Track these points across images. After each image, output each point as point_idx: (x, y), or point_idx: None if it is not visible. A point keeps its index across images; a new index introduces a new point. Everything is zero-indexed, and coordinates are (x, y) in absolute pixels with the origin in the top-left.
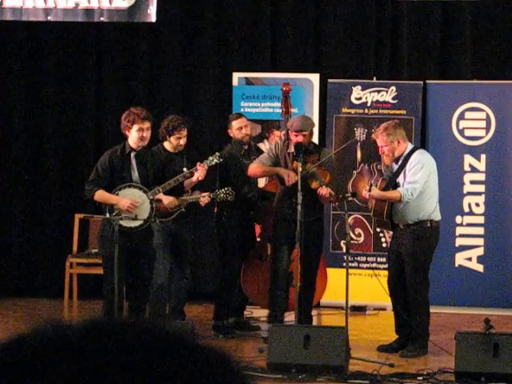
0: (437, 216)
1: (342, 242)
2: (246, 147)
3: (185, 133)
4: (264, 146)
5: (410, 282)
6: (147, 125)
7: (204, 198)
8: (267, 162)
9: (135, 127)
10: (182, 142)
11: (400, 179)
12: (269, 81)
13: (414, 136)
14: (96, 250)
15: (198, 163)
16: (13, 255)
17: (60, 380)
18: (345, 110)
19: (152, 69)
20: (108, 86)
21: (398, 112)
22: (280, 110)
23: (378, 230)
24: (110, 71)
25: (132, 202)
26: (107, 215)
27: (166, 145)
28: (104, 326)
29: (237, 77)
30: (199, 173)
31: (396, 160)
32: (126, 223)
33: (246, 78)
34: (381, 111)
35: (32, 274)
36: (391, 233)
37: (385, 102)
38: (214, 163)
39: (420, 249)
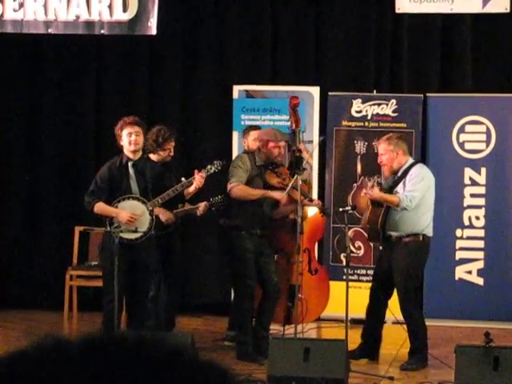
0: (429, 232)
1: (342, 255)
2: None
3: (173, 143)
4: None
5: (402, 297)
6: (136, 129)
7: (200, 208)
8: (244, 179)
9: (124, 133)
10: (171, 153)
11: (399, 189)
12: (269, 94)
13: (414, 149)
14: (96, 263)
15: (197, 171)
16: (13, 267)
17: None
18: (345, 122)
19: (152, 81)
20: (108, 98)
21: (398, 125)
22: (287, 123)
23: (371, 244)
24: (110, 83)
25: (131, 215)
26: (108, 228)
27: (153, 157)
28: (104, 341)
29: (237, 90)
30: (197, 181)
31: (395, 173)
32: (126, 235)
33: (247, 91)
34: (381, 124)
35: (32, 286)
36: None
37: (385, 115)
38: (212, 171)
39: (413, 262)
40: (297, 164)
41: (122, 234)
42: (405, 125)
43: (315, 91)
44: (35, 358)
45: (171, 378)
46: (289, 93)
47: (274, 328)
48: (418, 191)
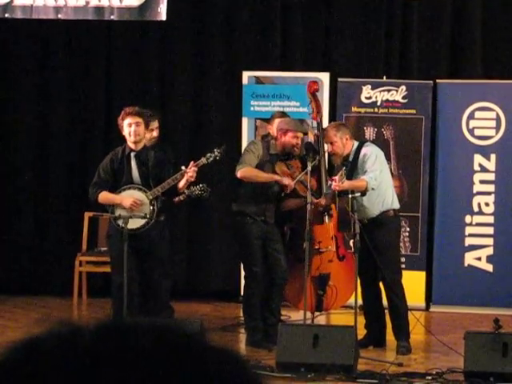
0: (397, 204)
1: (351, 242)
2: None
3: (157, 124)
4: None
5: (387, 274)
6: (137, 119)
7: (177, 199)
8: (254, 164)
9: (125, 123)
10: (155, 133)
11: (356, 175)
12: (279, 80)
13: (424, 135)
14: (105, 249)
15: (192, 162)
16: (22, 254)
17: (74, 382)
18: (355, 109)
19: (161, 68)
20: (117, 85)
21: (407, 111)
22: (298, 110)
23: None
24: (120, 70)
25: (135, 200)
26: (114, 214)
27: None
28: (117, 328)
29: (247, 76)
30: (188, 175)
31: (345, 159)
32: (130, 224)
33: (256, 77)
34: (390, 110)
35: (41, 273)
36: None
37: (395, 102)
38: (211, 160)
39: (392, 237)
40: (307, 151)
41: (122, 224)
42: (414, 111)
43: (325, 77)
44: (49, 345)
45: (185, 363)
46: (298, 79)
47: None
48: (377, 169)
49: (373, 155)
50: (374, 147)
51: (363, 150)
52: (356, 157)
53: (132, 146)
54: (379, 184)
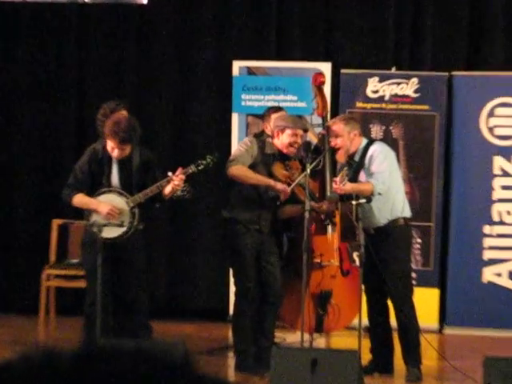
0: (408, 212)
1: (355, 254)
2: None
3: (126, 113)
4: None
5: (395, 291)
6: (127, 147)
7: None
8: (247, 163)
9: (109, 143)
10: None
11: (362, 178)
12: (274, 71)
13: (438, 134)
14: (76, 261)
15: (180, 169)
16: None
17: None
18: (359, 104)
19: (141, 57)
20: (91, 77)
21: (419, 107)
22: (295, 105)
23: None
24: (94, 60)
25: (112, 208)
26: (88, 220)
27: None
28: (97, 354)
29: (237, 66)
30: (173, 184)
31: (350, 157)
32: (105, 233)
33: (248, 68)
34: (400, 106)
35: (4, 288)
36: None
37: (405, 96)
38: (202, 167)
39: (402, 250)
40: (306, 151)
41: (96, 231)
42: (427, 107)
43: (326, 68)
44: (22, 371)
45: None
46: (296, 70)
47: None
48: (385, 171)
49: (381, 155)
50: (384, 146)
51: (371, 149)
52: (363, 156)
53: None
54: (388, 188)
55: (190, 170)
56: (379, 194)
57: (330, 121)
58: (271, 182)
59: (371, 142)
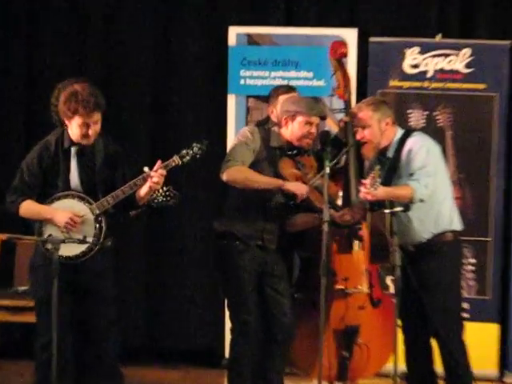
0: (457, 224)
1: (390, 280)
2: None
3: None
4: None
5: (441, 326)
6: (95, 117)
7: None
8: (248, 161)
9: (74, 122)
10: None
11: (398, 179)
12: (282, 39)
13: (497, 119)
14: (25, 288)
15: (159, 163)
16: None
17: None
18: (394, 82)
19: (111, 23)
20: (43, 52)
21: (473, 86)
22: (311, 83)
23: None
24: (50, 27)
25: (73, 216)
26: (38, 236)
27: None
28: None
29: (235, 33)
30: (152, 181)
31: (381, 152)
32: (64, 251)
33: (249, 36)
34: (448, 85)
35: None
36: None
37: (454, 72)
38: (189, 159)
39: (449, 275)
40: (324, 142)
41: (51, 249)
42: (484, 86)
43: (350, 36)
44: None
45: None
46: (311, 38)
47: None
48: (429, 172)
49: (422, 150)
50: (426, 138)
51: (409, 142)
52: (398, 152)
53: (75, 137)
54: (431, 193)
55: (173, 163)
56: (421, 200)
57: (354, 106)
58: (280, 181)
59: (408, 132)
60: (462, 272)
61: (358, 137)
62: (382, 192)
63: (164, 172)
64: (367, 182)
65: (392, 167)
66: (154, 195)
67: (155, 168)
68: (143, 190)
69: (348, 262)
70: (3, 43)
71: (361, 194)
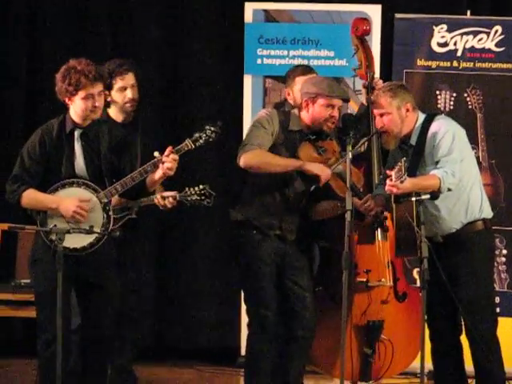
0: (488, 212)
1: (416, 271)
2: None
3: (132, 80)
4: None
5: (473, 322)
6: (98, 87)
7: (165, 201)
8: (267, 145)
9: (80, 94)
10: (130, 93)
11: (424, 167)
12: (302, 16)
13: None
14: (28, 281)
15: (169, 149)
16: None
17: None
18: (421, 62)
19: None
20: (48, 29)
21: (505, 66)
22: (340, 63)
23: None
24: (52, 11)
25: (81, 204)
26: (40, 227)
27: (112, 111)
28: None
29: (251, 9)
30: (165, 166)
31: (403, 140)
32: (69, 242)
33: (266, 12)
34: (478, 64)
35: None
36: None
37: (485, 51)
38: (202, 142)
39: (481, 265)
40: (345, 127)
41: (55, 241)
42: None
43: (374, 12)
44: None
45: None
46: (332, 14)
47: None
48: (456, 158)
49: (448, 135)
50: (450, 122)
51: (433, 127)
52: (422, 138)
53: (78, 119)
54: (460, 181)
55: (186, 148)
56: (449, 189)
57: (371, 93)
58: (300, 162)
59: (431, 116)
60: (494, 264)
61: (378, 125)
62: (408, 184)
63: (176, 157)
64: (393, 174)
65: (416, 155)
66: (188, 192)
67: (166, 153)
68: (156, 175)
69: (371, 253)
70: (3, 42)
71: (386, 187)
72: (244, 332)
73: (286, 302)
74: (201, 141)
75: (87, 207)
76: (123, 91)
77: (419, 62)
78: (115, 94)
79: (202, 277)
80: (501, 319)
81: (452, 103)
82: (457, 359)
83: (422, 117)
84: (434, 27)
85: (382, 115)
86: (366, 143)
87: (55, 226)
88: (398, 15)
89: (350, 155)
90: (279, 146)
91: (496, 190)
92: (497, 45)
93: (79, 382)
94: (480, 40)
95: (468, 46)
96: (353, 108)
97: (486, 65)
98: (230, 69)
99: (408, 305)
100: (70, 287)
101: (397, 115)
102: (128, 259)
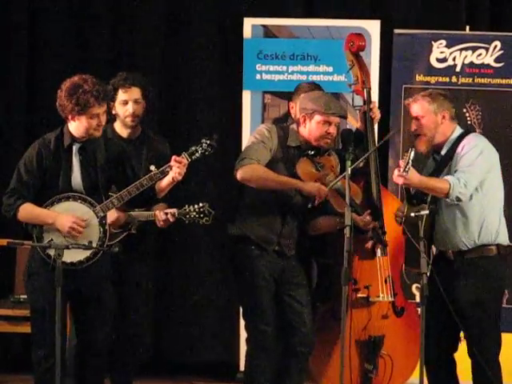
0: (505, 238)
1: (415, 287)
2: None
3: (136, 95)
4: None
5: (475, 343)
6: (105, 107)
7: (164, 216)
8: (265, 160)
9: (87, 114)
10: (131, 108)
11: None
12: (301, 31)
13: None
14: (26, 297)
15: (175, 157)
16: None
17: None
18: (420, 77)
19: (118, 16)
20: (45, 50)
21: (504, 81)
22: (333, 79)
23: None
24: (50, 23)
25: (77, 220)
26: (36, 241)
27: (117, 126)
28: None
29: (250, 25)
30: (175, 171)
31: (437, 148)
32: (66, 256)
33: (265, 27)
34: (477, 80)
35: None
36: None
37: (484, 66)
38: (199, 155)
39: (488, 291)
40: (346, 142)
41: (54, 256)
42: None
43: (373, 28)
44: None
45: None
46: (331, 30)
47: None
48: (474, 172)
49: (475, 150)
50: (483, 140)
51: (465, 140)
52: (452, 150)
53: (78, 134)
54: (480, 199)
55: (197, 154)
56: (457, 199)
57: (409, 99)
58: (299, 182)
59: (467, 132)
60: (504, 288)
61: (413, 127)
62: (415, 178)
63: (185, 161)
64: (401, 163)
65: (442, 165)
66: (188, 209)
67: (173, 158)
68: (165, 181)
69: (371, 269)
70: (3, 44)
71: (394, 177)
72: (243, 347)
73: (284, 318)
74: (197, 154)
75: (83, 223)
76: (125, 105)
77: (418, 78)
78: (117, 107)
79: (200, 292)
80: (503, 335)
81: None
82: (450, 377)
83: (458, 130)
84: (433, 43)
85: (417, 118)
86: (366, 155)
87: (52, 240)
88: (396, 31)
89: (349, 171)
90: (277, 161)
91: None
92: (496, 60)
93: None
94: (479, 55)
95: (467, 61)
96: (351, 124)
97: (485, 80)
98: (229, 84)
99: (406, 319)
100: (65, 302)
101: (432, 120)
102: (129, 277)
